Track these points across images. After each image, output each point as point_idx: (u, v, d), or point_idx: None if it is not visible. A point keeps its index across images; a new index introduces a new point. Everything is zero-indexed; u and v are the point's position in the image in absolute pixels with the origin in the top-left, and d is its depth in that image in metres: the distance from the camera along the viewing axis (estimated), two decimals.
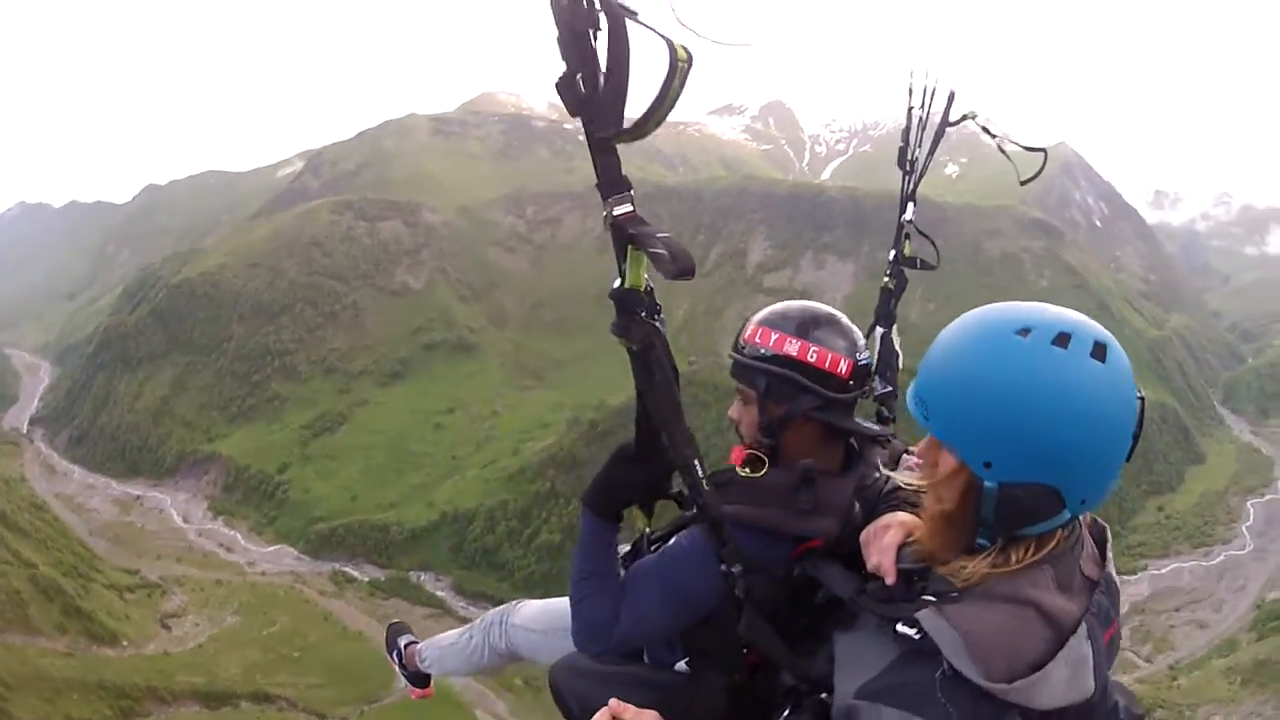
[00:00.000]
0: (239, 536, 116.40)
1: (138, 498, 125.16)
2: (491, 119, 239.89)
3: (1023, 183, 4.59)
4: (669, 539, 3.47)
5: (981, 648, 2.23)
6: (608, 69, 2.16)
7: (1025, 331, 2.28)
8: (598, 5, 2.14)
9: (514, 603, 4.85)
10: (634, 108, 2.20)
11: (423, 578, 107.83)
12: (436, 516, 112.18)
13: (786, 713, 2.93)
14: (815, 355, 3.38)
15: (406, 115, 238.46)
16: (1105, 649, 2.38)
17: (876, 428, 3.59)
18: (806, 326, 3.44)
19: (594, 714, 2.62)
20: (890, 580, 2.61)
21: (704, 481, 2.94)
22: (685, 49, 2.15)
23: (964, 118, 4.80)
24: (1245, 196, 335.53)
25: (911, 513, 2.86)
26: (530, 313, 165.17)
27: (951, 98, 4.90)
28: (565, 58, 2.20)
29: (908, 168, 5.22)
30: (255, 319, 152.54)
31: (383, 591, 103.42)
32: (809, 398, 3.38)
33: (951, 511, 2.47)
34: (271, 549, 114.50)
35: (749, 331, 3.52)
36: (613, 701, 2.67)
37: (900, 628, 2.37)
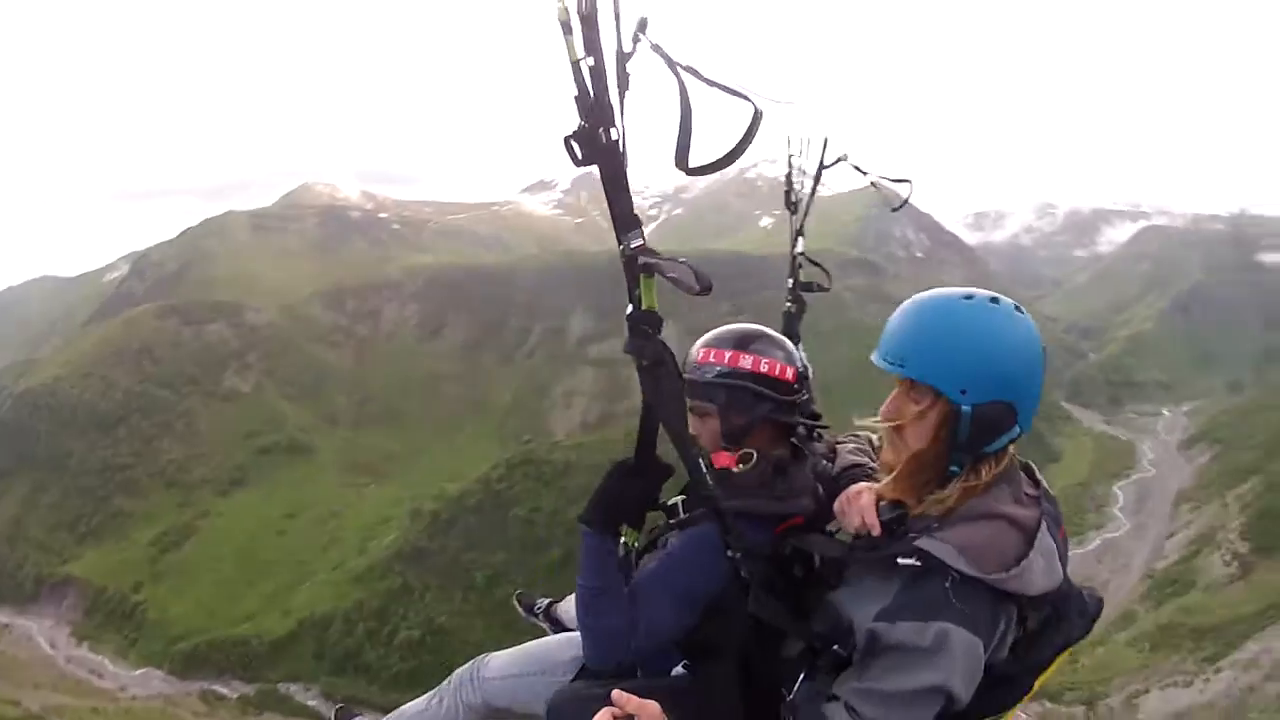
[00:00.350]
0: (106, 661, 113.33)
1: (5, 625, 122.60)
2: (308, 211, 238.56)
3: (894, 210, 5.22)
4: (650, 549, 4.04)
5: (974, 553, 2.99)
6: (680, 120, 2.82)
7: (969, 298, 3.18)
8: (674, 67, 2.77)
9: (479, 658, 4.97)
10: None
11: (292, 689, 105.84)
12: (294, 625, 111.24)
13: (801, 678, 3.43)
14: (766, 366, 4.07)
15: (225, 213, 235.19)
16: (1062, 543, 3.28)
17: (818, 422, 4.32)
18: (748, 342, 4.18)
19: None
20: (876, 532, 3.29)
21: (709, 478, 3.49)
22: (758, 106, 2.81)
23: (838, 160, 5.21)
24: (1070, 202, 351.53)
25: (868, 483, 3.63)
26: (359, 409, 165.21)
27: (825, 143, 5.36)
28: (589, 116, 2.83)
29: (792, 208, 5.72)
30: (94, 432, 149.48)
31: (254, 707, 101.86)
32: (766, 403, 4.04)
33: (924, 450, 3.25)
34: (139, 672, 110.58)
35: (699, 355, 4.19)
36: (615, 693, 2.96)
37: (901, 560, 3.10)
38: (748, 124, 2.73)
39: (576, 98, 2.80)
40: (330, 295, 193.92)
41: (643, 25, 2.69)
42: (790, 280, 6.11)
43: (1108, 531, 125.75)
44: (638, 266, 3.23)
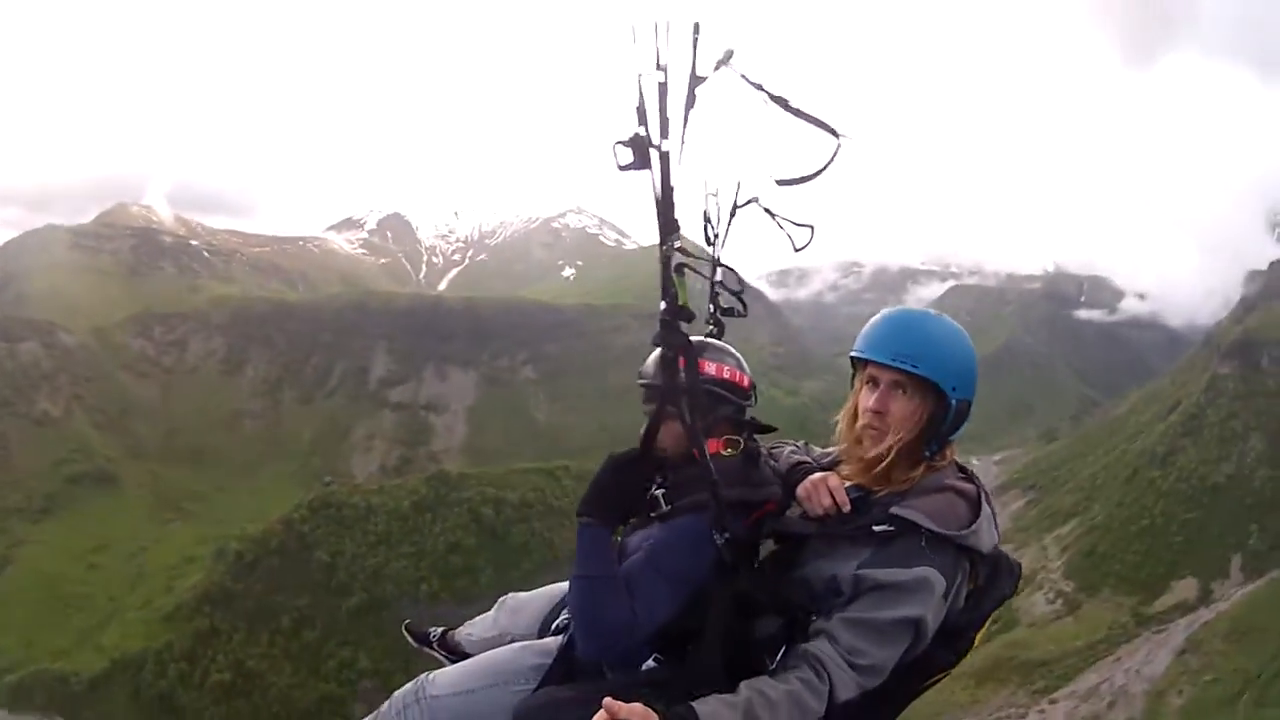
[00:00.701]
0: None
1: None
2: (123, 232, 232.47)
3: (797, 250, 4.78)
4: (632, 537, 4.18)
5: (939, 517, 3.58)
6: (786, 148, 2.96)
7: (939, 315, 3.92)
8: (767, 98, 3.01)
9: (423, 678, 4.58)
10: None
11: None
12: (108, 664, 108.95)
13: (782, 651, 3.63)
14: (727, 372, 4.40)
15: (45, 226, 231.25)
16: (994, 511, 3.85)
17: (767, 427, 4.60)
18: (704, 349, 4.44)
19: None
20: (847, 509, 3.76)
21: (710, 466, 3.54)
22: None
23: (750, 201, 4.98)
24: (877, 260, 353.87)
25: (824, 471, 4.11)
26: (165, 441, 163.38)
27: (739, 186, 5.07)
28: (648, 126, 2.96)
29: (711, 238, 5.30)
30: None
31: None
32: (726, 406, 4.34)
33: (913, 440, 3.78)
34: None
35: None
36: (606, 701, 2.98)
37: (876, 528, 3.61)
38: (831, 153, 3.15)
39: (637, 108, 3.10)
40: (139, 321, 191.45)
41: (728, 57, 3.04)
42: (710, 306, 5.71)
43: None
44: (676, 266, 3.64)
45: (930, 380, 3.78)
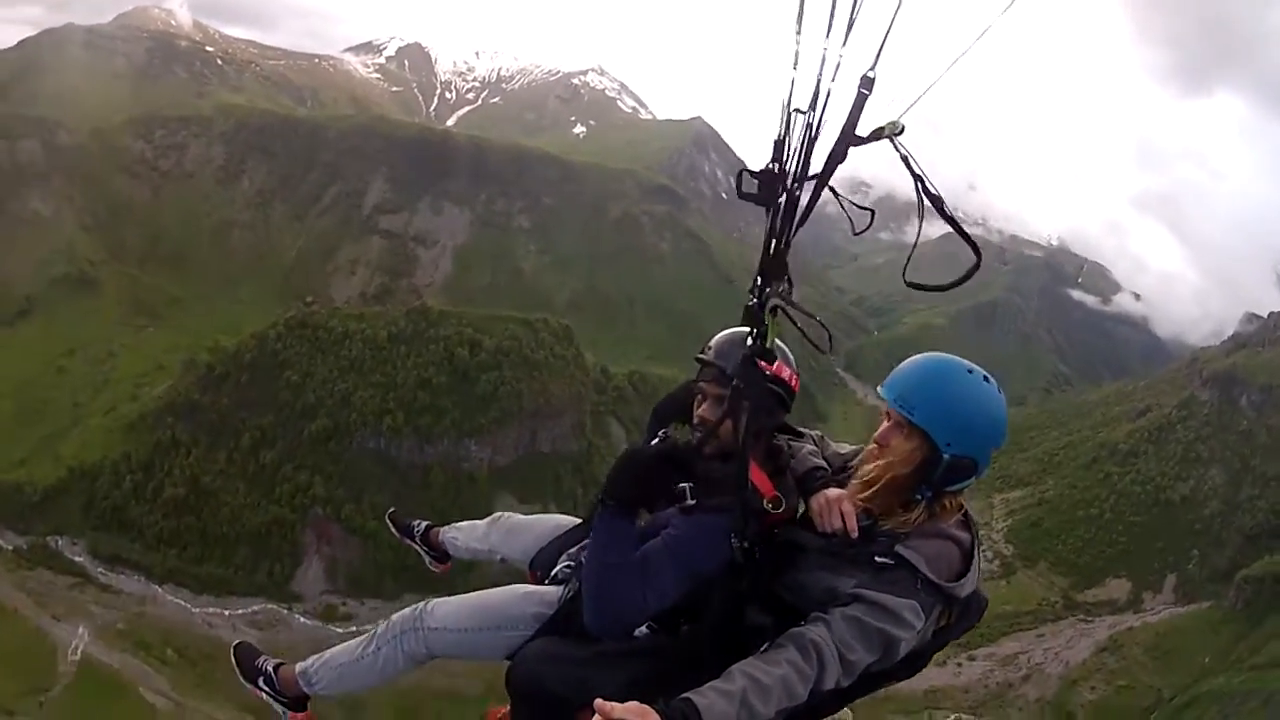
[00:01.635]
0: None
1: None
2: (140, 35, 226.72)
3: (857, 234, 4.60)
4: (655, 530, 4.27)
5: (934, 564, 3.82)
6: (916, 241, 3.31)
7: (971, 371, 3.94)
8: (922, 182, 3.15)
9: (422, 606, 4.75)
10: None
11: (60, 543, 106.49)
12: (65, 474, 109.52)
13: (766, 647, 3.78)
14: (787, 374, 4.39)
15: (64, 25, 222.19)
16: (980, 558, 4.12)
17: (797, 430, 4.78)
18: (789, 361, 4.43)
19: (594, 695, 3.11)
20: (855, 535, 3.97)
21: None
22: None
23: (813, 176, 3.90)
24: (886, 187, 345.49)
25: (837, 486, 4.26)
26: (150, 246, 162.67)
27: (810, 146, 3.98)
28: (785, 163, 3.17)
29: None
30: None
31: (27, 562, 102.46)
32: (783, 412, 4.50)
33: (904, 476, 3.97)
34: None
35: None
36: (597, 703, 3.00)
37: (878, 559, 3.85)
38: (970, 267, 3.29)
39: (778, 141, 3.29)
40: (142, 123, 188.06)
41: (895, 129, 3.16)
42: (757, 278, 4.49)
43: None
44: (770, 309, 3.81)
45: (923, 430, 3.95)
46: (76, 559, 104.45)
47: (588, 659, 4.14)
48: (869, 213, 4.37)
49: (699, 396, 4.66)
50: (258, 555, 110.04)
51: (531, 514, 5.80)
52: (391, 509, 7.20)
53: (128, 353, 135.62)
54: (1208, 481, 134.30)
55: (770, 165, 3.54)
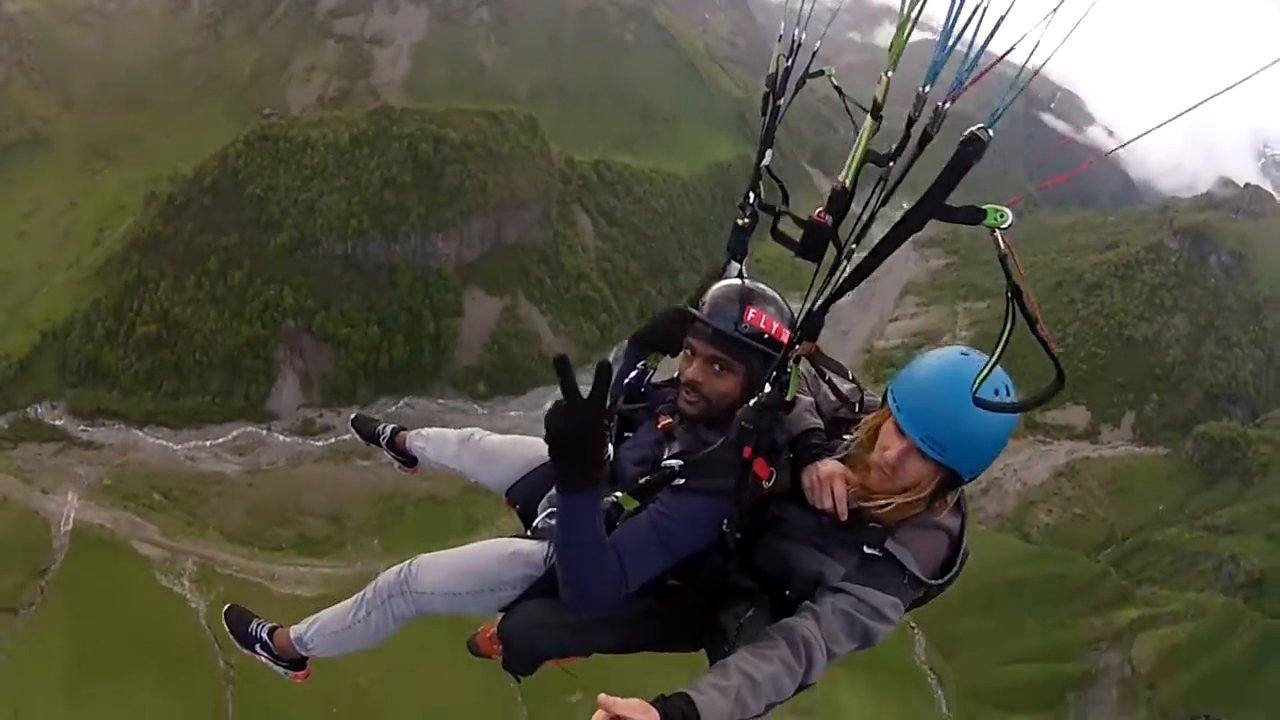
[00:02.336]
0: None
1: None
2: None
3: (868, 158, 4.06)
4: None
5: (924, 561, 3.94)
6: (999, 347, 3.13)
7: (997, 392, 3.71)
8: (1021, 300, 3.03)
9: (407, 567, 4.78)
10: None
11: (40, 410, 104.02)
12: (39, 339, 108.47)
13: (750, 611, 4.17)
14: (775, 329, 4.33)
15: None
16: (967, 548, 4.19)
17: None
18: (786, 315, 4.41)
19: (580, 655, 3.67)
20: (844, 519, 4.01)
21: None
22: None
23: (819, 73, 4.68)
24: None
25: (832, 459, 4.28)
26: (101, 91, 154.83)
27: (814, 55, 4.72)
28: (839, 216, 3.23)
29: (766, 116, 4.91)
30: None
31: (8, 440, 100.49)
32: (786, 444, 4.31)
33: (919, 493, 4.00)
34: None
35: (749, 315, 4.31)
36: (601, 698, 3.04)
37: (867, 550, 3.93)
38: (1049, 385, 3.14)
39: (835, 194, 3.44)
40: None
41: (1006, 220, 2.97)
42: (751, 195, 5.22)
43: None
44: (796, 358, 3.82)
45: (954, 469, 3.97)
46: (57, 423, 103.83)
47: (580, 625, 4.30)
48: (879, 118, 3.92)
49: (688, 353, 4.52)
50: (233, 379, 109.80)
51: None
52: (355, 414, 7.28)
53: (86, 200, 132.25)
54: (1171, 329, 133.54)
55: (823, 217, 3.57)
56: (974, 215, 3.00)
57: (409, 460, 6.54)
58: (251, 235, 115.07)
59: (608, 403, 3.77)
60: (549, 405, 3.73)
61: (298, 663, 5.62)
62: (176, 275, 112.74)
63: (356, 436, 7.00)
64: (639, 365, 5.16)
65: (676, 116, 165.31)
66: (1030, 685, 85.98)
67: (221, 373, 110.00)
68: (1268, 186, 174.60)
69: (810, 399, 4.66)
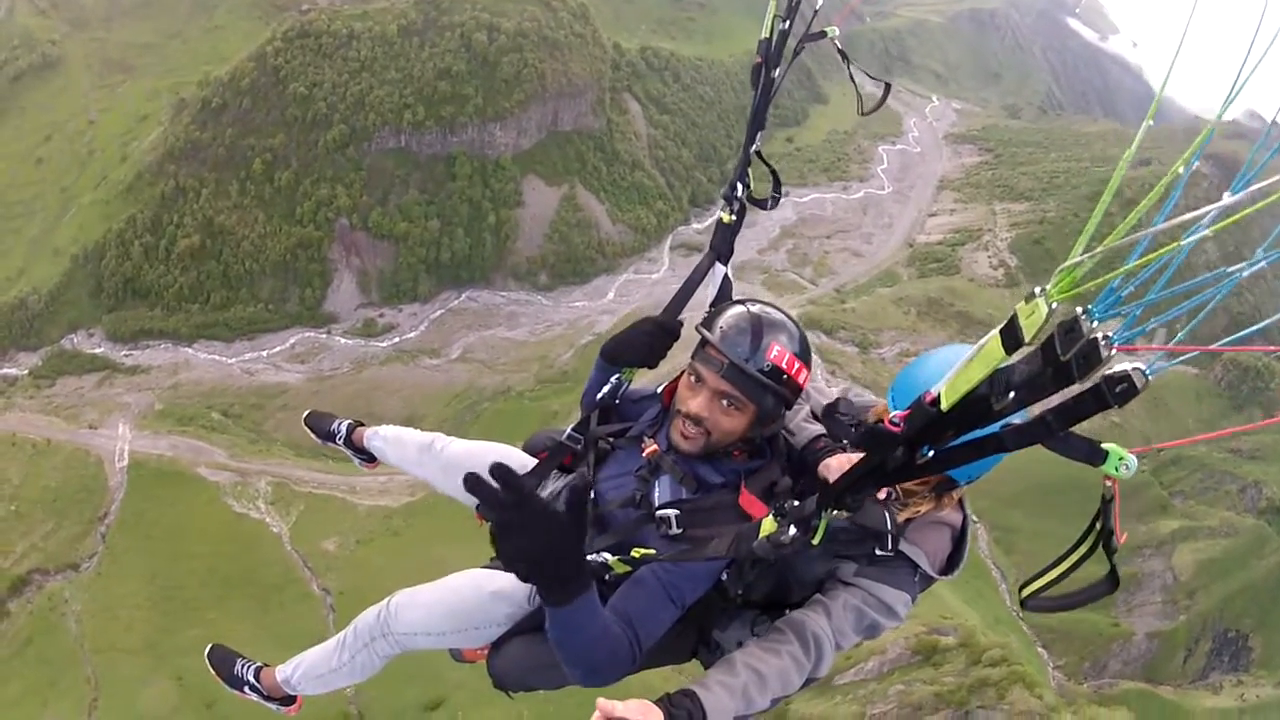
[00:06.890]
0: None
1: None
2: None
3: (864, 114, 4.64)
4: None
5: (932, 558, 3.91)
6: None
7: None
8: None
9: (385, 608, 4.58)
10: None
11: (76, 340, 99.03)
12: (69, 265, 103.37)
13: (753, 622, 4.09)
14: (805, 380, 3.91)
15: None
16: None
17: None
18: (809, 353, 3.91)
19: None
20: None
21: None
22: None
23: (821, 35, 4.50)
24: None
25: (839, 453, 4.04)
26: (110, 5, 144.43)
27: (814, 15, 4.52)
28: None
29: (757, 90, 4.62)
30: None
31: (44, 377, 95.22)
32: (789, 416, 4.20)
33: (925, 490, 4.02)
34: None
35: (773, 352, 3.76)
36: (599, 701, 2.97)
37: (879, 551, 3.83)
38: (1099, 583, 2.79)
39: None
40: None
41: (1129, 472, 2.39)
42: (739, 186, 4.63)
43: (870, 187, 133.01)
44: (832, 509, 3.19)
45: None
46: (96, 350, 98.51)
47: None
48: (883, 85, 4.38)
49: (693, 379, 3.94)
50: (287, 284, 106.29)
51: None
52: (309, 412, 6.87)
53: (106, 116, 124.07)
54: (1201, 254, 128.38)
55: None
56: (1094, 456, 2.39)
57: (369, 458, 6.21)
58: (298, 134, 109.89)
59: (579, 445, 4.16)
60: (491, 522, 2.78)
61: (288, 700, 5.54)
62: (218, 182, 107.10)
63: (311, 436, 6.60)
64: (612, 380, 4.59)
65: (711, 2, 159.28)
66: (1079, 585, 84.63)
67: (273, 279, 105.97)
68: None
69: (806, 407, 4.45)
